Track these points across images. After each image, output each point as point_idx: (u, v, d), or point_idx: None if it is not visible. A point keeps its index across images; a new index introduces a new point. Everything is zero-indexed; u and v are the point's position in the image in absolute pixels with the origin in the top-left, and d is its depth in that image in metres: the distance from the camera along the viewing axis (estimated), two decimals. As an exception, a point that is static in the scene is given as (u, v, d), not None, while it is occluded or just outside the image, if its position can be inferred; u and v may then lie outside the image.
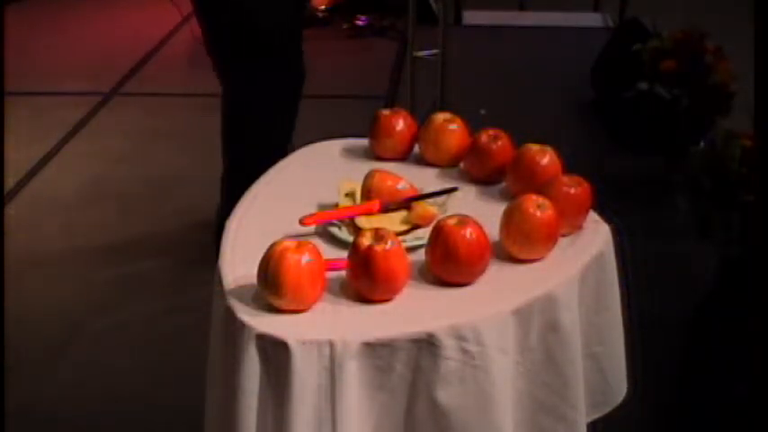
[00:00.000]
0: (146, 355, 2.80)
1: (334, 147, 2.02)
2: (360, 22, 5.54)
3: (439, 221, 1.57)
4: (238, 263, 1.57)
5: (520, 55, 5.12)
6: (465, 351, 1.45)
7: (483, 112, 4.00)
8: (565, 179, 1.70)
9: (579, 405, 1.62)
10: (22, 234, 3.34)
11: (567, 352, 1.57)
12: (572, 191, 1.68)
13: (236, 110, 3.00)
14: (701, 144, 2.88)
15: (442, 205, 1.73)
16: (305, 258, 1.46)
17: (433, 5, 4.88)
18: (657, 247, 3.24)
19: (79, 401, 2.62)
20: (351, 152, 1.99)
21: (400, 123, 1.94)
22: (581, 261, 1.63)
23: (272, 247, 1.48)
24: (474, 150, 1.86)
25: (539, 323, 1.54)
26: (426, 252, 1.56)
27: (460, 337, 1.45)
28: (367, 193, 1.74)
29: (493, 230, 1.60)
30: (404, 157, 1.95)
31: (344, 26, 5.52)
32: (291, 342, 1.41)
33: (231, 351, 1.45)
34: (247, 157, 2.93)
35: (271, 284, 1.46)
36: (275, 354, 1.42)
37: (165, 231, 3.19)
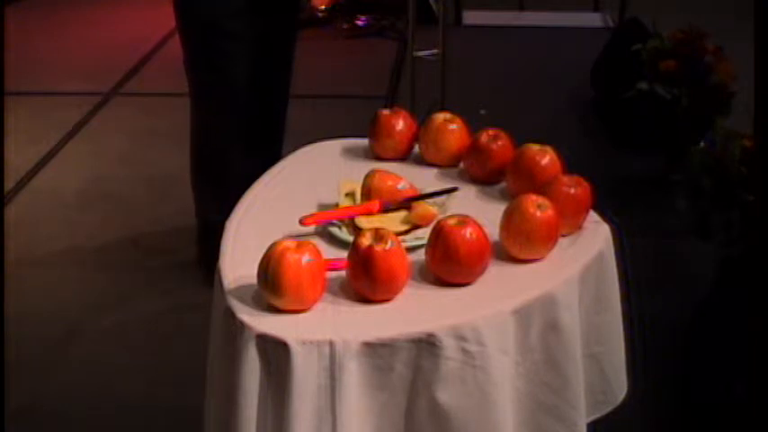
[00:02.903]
0: (146, 355, 2.80)
1: (335, 147, 2.02)
2: (360, 22, 5.54)
3: (439, 221, 1.57)
4: (238, 263, 1.58)
5: (520, 55, 5.12)
6: (465, 351, 1.45)
7: (483, 112, 4.00)
8: (565, 179, 1.70)
9: (579, 405, 1.62)
10: (22, 234, 3.33)
11: (567, 352, 1.57)
12: (572, 191, 1.68)
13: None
14: (701, 144, 2.88)
15: (441, 205, 1.73)
16: (305, 258, 1.46)
17: (433, 5, 4.87)
18: (657, 248, 3.24)
19: (79, 401, 2.62)
20: (351, 152, 1.99)
21: (400, 123, 1.94)
22: (581, 261, 1.63)
23: (272, 247, 1.48)
24: (474, 150, 1.86)
25: (539, 323, 1.54)
26: (426, 252, 1.56)
27: (461, 338, 1.45)
28: (367, 193, 1.74)
29: (493, 230, 1.60)
30: (404, 157, 1.95)
31: (344, 26, 5.52)
32: (291, 342, 1.41)
33: (231, 351, 1.46)
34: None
35: (271, 284, 1.46)
36: (275, 354, 1.42)
37: (165, 231, 3.19)
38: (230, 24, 2.84)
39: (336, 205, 1.75)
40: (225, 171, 3.00)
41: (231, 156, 3.00)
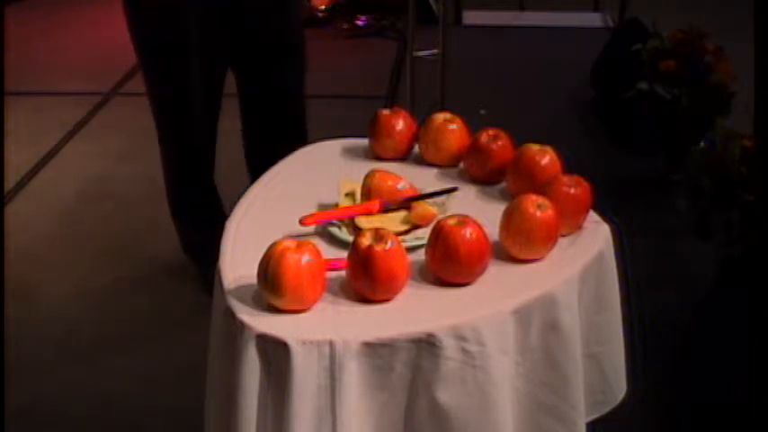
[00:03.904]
0: (146, 355, 2.80)
1: (335, 147, 2.02)
2: (360, 22, 5.54)
3: (439, 221, 1.57)
4: (238, 263, 1.58)
5: (520, 55, 5.12)
6: (465, 351, 1.45)
7: (483, 112, 4.00)
8: (565, 179, 1.70)
9: (579, 405, 1.62)
10: (21, 234, 3.33)
11: (566, 352, 1.57)
12: (572, 191, 1.68)
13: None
14: (701, 144, 2.88)
15: (441, 205, 1.73)
16: (305, 258, 1.46)
17: (433, 5, 4.88)
18: (657, 248, 3.24)
19: (79, 401, 2.61)
20: (351, 152, 1.99)
21: (400, 123, 1.94)
22: (581, 261, 1.63)
23: (272, 247, 1.48)
24: (474, 150, 1.86)
25: (539, 323, 1.54)
26: (426, 252, 1.56)
27: (460, 337, 1.45)
28: (367, 193, 1.74)
29: (493, 230, 1.60)
30: (404, 157, 1.95)
31: (344, 26, 5.52)
32: (291, 342, 1.41)
33: (231, 351, 1.46)
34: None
35: (271, 284, 1.46)
36: (275, 354, 1.42)
37: (165, 231, 3.18)
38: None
39: (336, 205, 1.75)
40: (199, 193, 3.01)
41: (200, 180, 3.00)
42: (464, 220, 1.55)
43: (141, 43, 2.77)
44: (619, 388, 1.77)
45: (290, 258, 1.46)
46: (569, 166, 1.78)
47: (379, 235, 1.51)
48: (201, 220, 2.97)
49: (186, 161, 2.93)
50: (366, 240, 1.50)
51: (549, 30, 5.47)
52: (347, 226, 1.69)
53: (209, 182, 2.98)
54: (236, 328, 1.45)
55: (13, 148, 3.54)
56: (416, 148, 1.96)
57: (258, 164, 2.84)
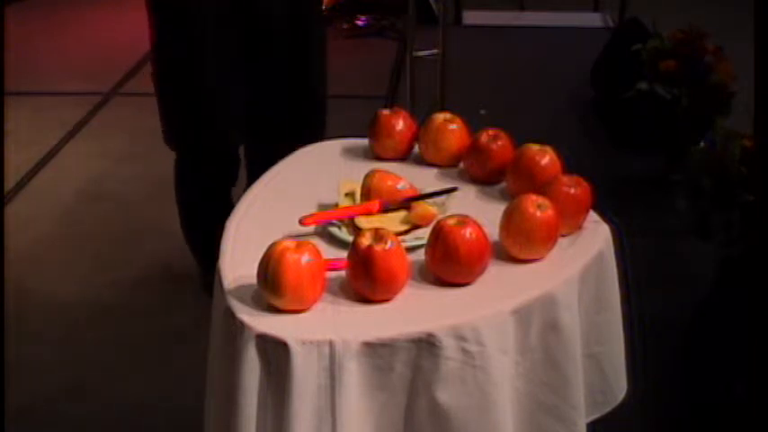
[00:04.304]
0: (146, 356, 2.80)
1: (335, 147, 2.02)
2: (360, 22, 5.54)
3: (439, 221, 1.57)
4: (238, 263, 1.58)
5: (520, 55, 5.12)
6: (465, 351, 1.45)
7: (483, 112, 4.00)
8: (565, 179, 1.70)
9: (579, 405, 1.62)
10: (21, 234, 3.33)
11: (566, 352, 1.57)
12: (572, 191, 1.68)
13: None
14: (701, 144, 2.88)
15: (441, 205, 1.73)
16: (305, 258, 1.46)
17: (433, 5, 4.88)
18: (657, 248, 3.24)
19: (79, 401, 2.62)
20: (351, 152, 1.99)
21: (400, 123, 1.94)
22: (581, 261, 1.63)
23: (271, 247, 1.48)
24: (474, 150, 1.86)
25: (538, 323, 1.54)
26: (426, 252, 1.56)
27: (460, 338, 1.45)
28: (367, 193, 1.74)
29: (493, 230, 1.60)
30: (404, 157, 1.95)
31: (344, 26, 5.51)
32: (291, 342, 1.41)
33: (231, 351, 1.46)
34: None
35: (271, 284, 1.46)
36: (275, 354, 1.42)
37: (166, 231, 3.19)
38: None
39: (336, 205, 1.75)
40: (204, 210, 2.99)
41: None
42: (464, 220, 1.55)
43: (162, 49, 2.74)
44: (619, 388, 1.77)
45: (290, 258, 1.46)
46: (569, 166, 1.78)
47: (378, 235, 1.51)
48: (214, 227, 2.95)
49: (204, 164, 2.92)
50: (366, 240, 1.50)
51: (549, 30, 5.47)
52: (347, 226, 1.69)
53: (226, 191, 2.94)
54: (236, 328, 1.45)
55: (13, 148, 3.54)
56: (416, 148, 1.96)
57: (256, 164, 2.85)
